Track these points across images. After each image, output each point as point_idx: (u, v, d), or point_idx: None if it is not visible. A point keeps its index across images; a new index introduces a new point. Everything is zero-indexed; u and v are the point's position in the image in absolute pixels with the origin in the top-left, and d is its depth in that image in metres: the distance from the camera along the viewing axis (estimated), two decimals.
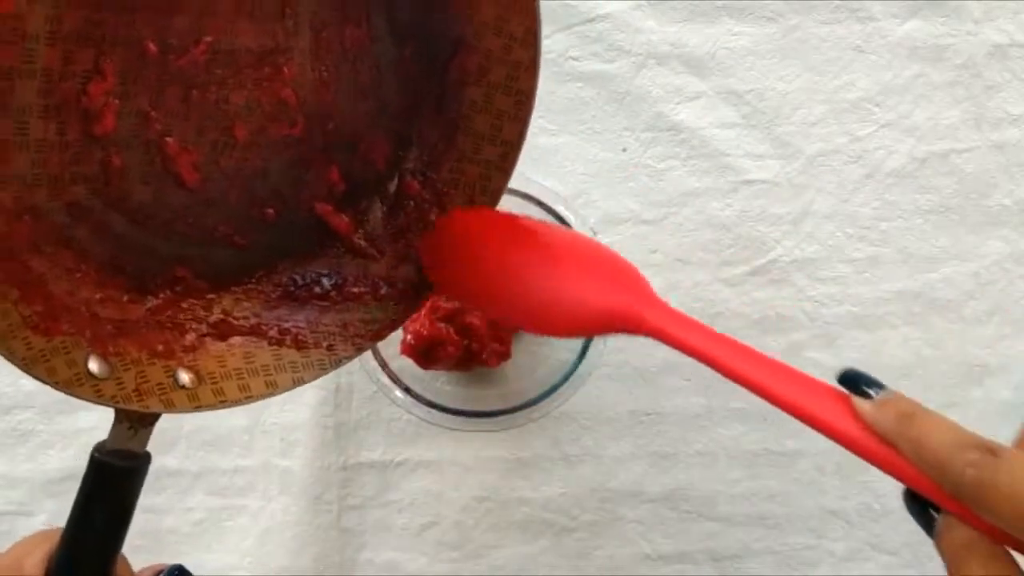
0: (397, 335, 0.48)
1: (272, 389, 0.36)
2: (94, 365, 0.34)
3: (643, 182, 0.53)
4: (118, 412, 0.34)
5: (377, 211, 0.40)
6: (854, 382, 0.31)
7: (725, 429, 0.52)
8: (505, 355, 0.48)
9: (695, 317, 0.52)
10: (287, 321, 0.38)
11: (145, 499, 0.51)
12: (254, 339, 0.38)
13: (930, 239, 0.53)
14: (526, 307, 0.36)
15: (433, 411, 0.47)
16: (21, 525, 0.51)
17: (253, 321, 0.38)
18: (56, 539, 0.34)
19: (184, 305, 0.38)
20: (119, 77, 0.34)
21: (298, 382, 0.37)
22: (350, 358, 0.37)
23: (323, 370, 0.37)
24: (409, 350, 0.47)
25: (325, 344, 0.38)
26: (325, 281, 0.39)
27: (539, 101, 0.53)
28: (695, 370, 0.52)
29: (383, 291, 0.39)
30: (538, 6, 0.35)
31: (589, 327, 0.36)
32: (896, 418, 0.29)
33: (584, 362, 0.47)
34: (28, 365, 0.32)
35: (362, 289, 0.39)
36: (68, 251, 0.35)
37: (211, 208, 0.38)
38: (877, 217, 0.53)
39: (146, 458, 0.35)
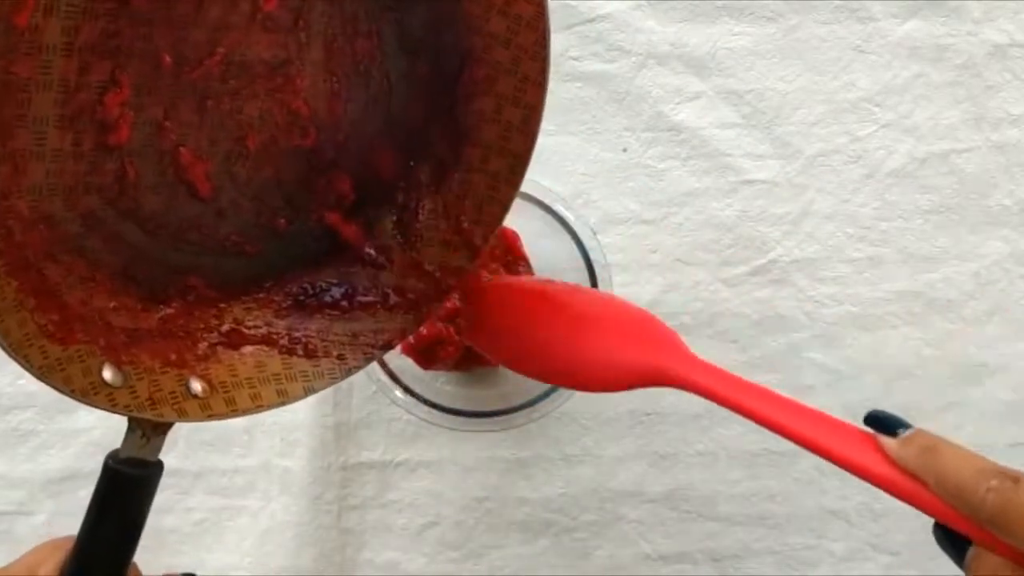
0: None
1: (283, 398, 0.37)
2: (108, 374, 0.34)
3: (643, 182, 0.53)
4: (131, 421, 0.34)
5: (387, 221, 0.40)
6: (879, 422, 0.33)
7: (725, 429, 0.52)
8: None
9: (695, 317, 0.52)
10: (298, 330, 0.39)
11: None
12: (265, 348, 0.38)
13: (930, 239, 0.53)
14: (562, 370, 0.38)
15: (433, 411, 0.47)
16: (21, 525, 0.51)
17: (264, 330, 0.38)
18: (68, 548, 0.34)
19: (196, 314, 0.38)
20: (134, 88, 0.35)
21: (309, 391, 0.37)
22: (360, 367, 0.38)
23: (333, 379, 0.37)
24: (409, 350, 0.47)
25: (335, 353, 0.38)
26: (335, 291, 0.40)
27: None
28: None
29: (393, 301, 0.39)
30: (547, 21, 0.35)
31: (623, 383, 0.37)
32: (919, 452, 0.30)
33: None
34: (45, 374, 0.32)
35: (372, 299, 0.39)
36: (82, 260, 0.36)
37: (223, 218, 0.38)
38: (877, 217, 0.53)
39: (158, 466, 0.35)
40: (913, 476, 0.30)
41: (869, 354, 0.52)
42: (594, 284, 0.47)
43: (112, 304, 0.36)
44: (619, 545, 0.52)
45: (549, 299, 0.39)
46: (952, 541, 0.31)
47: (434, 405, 0.47)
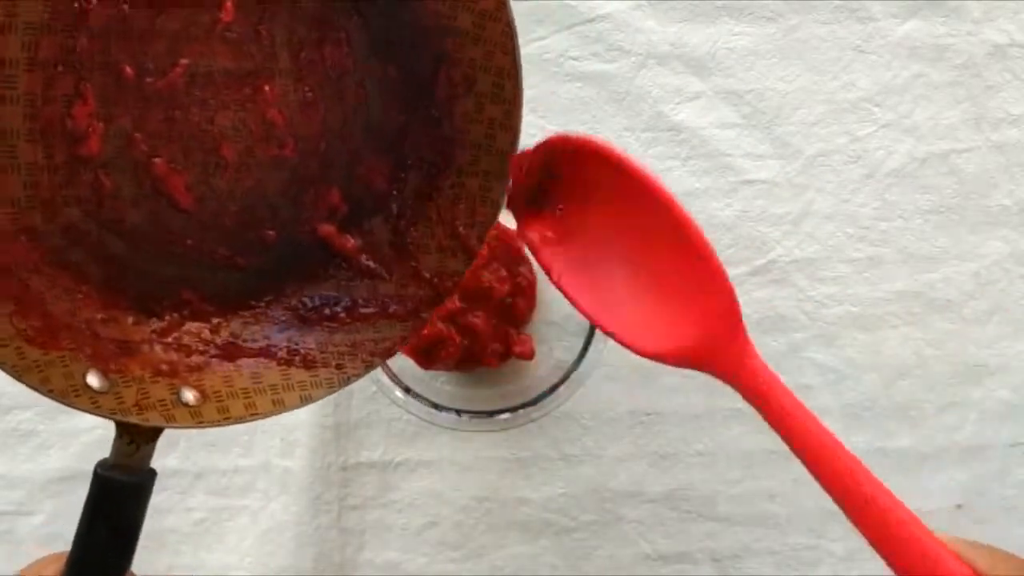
0: None
1: (279, 407, 0.36)
2: (93, 380, 0.34)
3: None
4: (119, 427, 0.34)
5: (383, 231, 0.40)
6: None
7: (725, 429, 0.52)
8: (507, 356, 0.48)
9: None
10: (297, 343, 0.38)
11: None
12: (263, 360, 0.38)
13: (930, 239, 0.53)
14: (614, 314, 0.37)
15: (433, 411, 0.47)
16: (21, 525, 0.51)
17: (262, 343, 0.38)
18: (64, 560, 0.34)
19: (191, 328, 0.38)
20: (100, 100, 0.35)
21: (306, 400, 0.37)
22: (359, 376, 0.37)
23: (331, 388, 0.37)
24: (409, 350, 0.47)
25: (334, 363, 0.38)
26: (334, 303, 0.39)
27: (539, 101, 0.53)
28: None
29: (392, 309, 0.39)
30: (509, 12, 0.35)
31: (669, 358, 0.36)
32: None
33: (584, 362, 0.47)
34: (20, 373, 0.33)
35: (372, 309, 0.39)
36: (67, 272, 0.36)
37: (208, 230, 0.38)
38: (877, 217, 0.53)
39: (150, 474, 0.35)
40: None
41: (869, 354, 0.52)
42: None
43: (101, 315, 0.36)
44: (619, 545, 0.52)
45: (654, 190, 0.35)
46: None
47: (434, 405, 0.47)
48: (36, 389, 0.33)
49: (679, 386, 0.52)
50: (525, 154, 0.37)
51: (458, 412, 0.47)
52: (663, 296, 0.36)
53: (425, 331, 0.47)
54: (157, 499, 0.51)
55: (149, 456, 0.35)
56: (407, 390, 0.47)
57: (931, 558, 0.28)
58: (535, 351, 0.49)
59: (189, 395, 0.36)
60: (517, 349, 0.48)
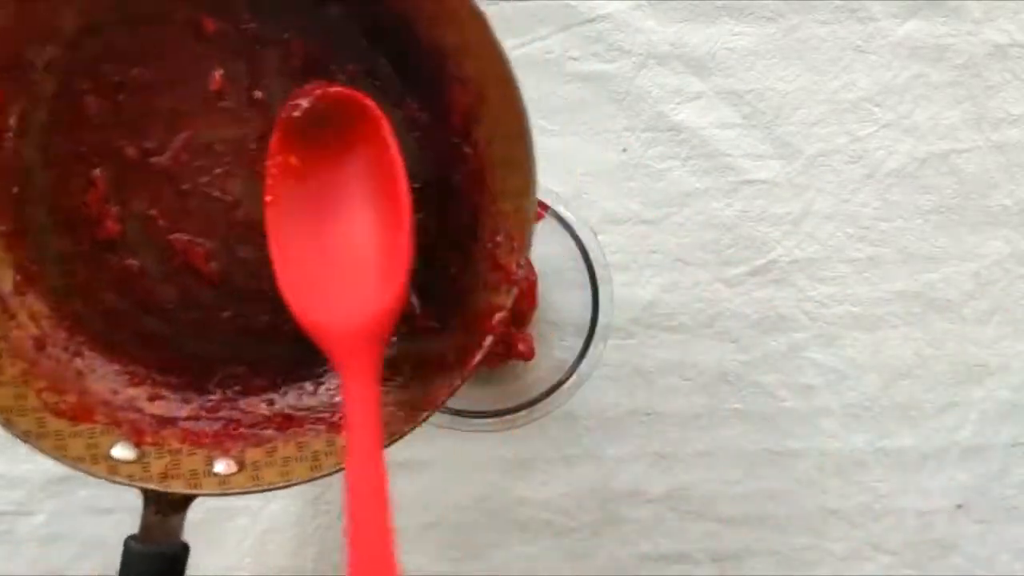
0: None
1: (315, 472, 0.35)
2: (121, 451, 0.34)
3: (643, 182, 0.53)
4: (146, 496, 0.33)
5: (436, 286, 0.38)
6: None
7: (725, 429, 0.52)
8: (507, 356, 0.48)
9: (695, 317, 0.52)
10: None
11: None
12: (312, 427, 0.36)
13: (930, 239, 0.53)
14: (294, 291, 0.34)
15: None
16: (21, 525, 0.51)
17: (318, 413, 0.37)
18: None
19: (242, 403, 0.37)
20: (111, 184, 0.36)
21: (340, 467, 0.35)
22: (406, 433, 0.35)
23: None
24: None
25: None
26: (392, 366, 0.36)
27: (539, 101, 0.53)
28: (695, 370, 0.52)
29: (448, 360, 0.37)
30: (479, 12, 0.33)
31: (309, 331, 0.34)
32: None
33: (584, 362, 0.47)
34: (34, 438, 0.33)
35: (430, 365, 0.37)
36: (113, 354, 0.36)
37: (243, 300, 0.37)
38: (877, 217, 0.53)
39: (183, 547, 0.33)
40: None
41: (869, 354, 0.52)
42: (594, 284, 0.47)
43: (147, 395, 0.36)
44: (619, 545, 0.52)
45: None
46: None
47: None
48: (46, 454, 0.32)
49: (679, 386, 0.52)
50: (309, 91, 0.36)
51: (458, 412, 0.47)
52: (349, 266, 0.35)
53: None
54: None
55: (179, 526, 0.34)
56: None
57: None
58: (535, 351, 0.49)
59: (222, 465, 0.35)
60: (517, 349, 0.48)
